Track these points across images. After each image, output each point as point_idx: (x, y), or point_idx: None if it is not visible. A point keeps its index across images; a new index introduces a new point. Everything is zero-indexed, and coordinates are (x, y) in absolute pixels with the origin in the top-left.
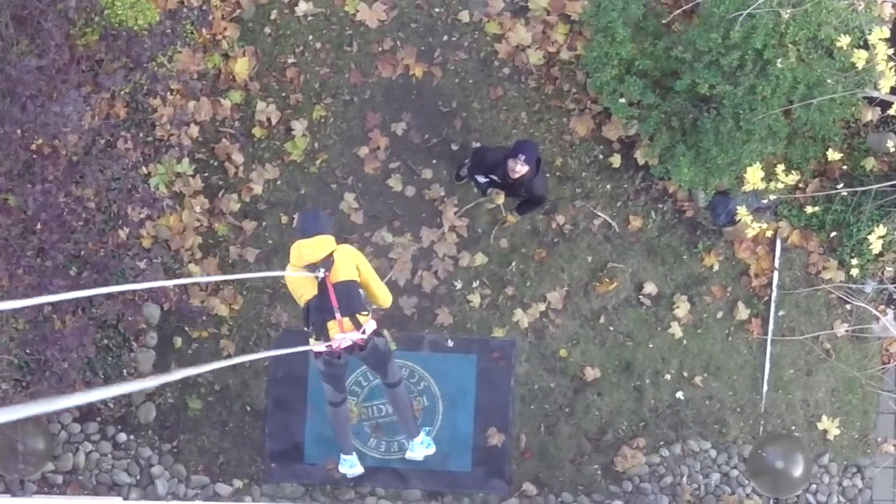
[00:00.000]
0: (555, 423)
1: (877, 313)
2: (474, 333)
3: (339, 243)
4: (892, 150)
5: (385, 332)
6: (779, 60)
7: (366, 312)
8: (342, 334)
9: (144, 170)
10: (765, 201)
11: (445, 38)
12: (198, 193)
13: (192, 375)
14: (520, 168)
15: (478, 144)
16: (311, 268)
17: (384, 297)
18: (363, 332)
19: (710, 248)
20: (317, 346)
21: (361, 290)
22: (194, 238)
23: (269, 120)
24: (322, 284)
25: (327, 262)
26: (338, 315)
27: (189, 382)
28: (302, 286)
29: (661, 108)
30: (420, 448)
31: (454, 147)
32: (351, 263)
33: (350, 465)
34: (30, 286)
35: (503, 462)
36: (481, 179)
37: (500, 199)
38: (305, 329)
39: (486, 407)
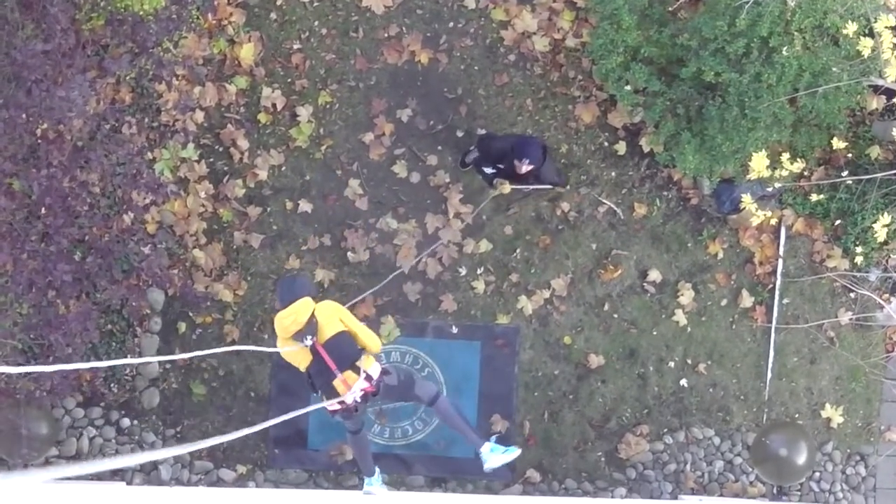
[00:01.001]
0: (558, 410)
1: (881, 301)
2: (478, 320)
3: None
4: None
5: (389, 319)
6: (784, 48)
7: (362, 359)
8: (349, 390)
9: (149, 155)
10: (769, 189)
11: (451, 24)
12: (203, 179)
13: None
14: (525, 168)
15: (483, 131)
16: (299, 336)
17: (374, 344)
18: (369, 380)
19: (715, 235)
20: (332, 406)
21: (349, 337)
22: (199, 223)
23: (274, 106)
24: (314, 349)
25: (311, 325)
26: (338, 374)
27: (193, 368)
28: (297, 357)
29: (666, 96)
30: (492, 456)
31: (459, 133)
32: (334, 318)
33: (374, 483)
34: (34, 271)
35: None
36: (488, 171)
37: (507, 188)
38: (315, 395)
39: (489, 393)
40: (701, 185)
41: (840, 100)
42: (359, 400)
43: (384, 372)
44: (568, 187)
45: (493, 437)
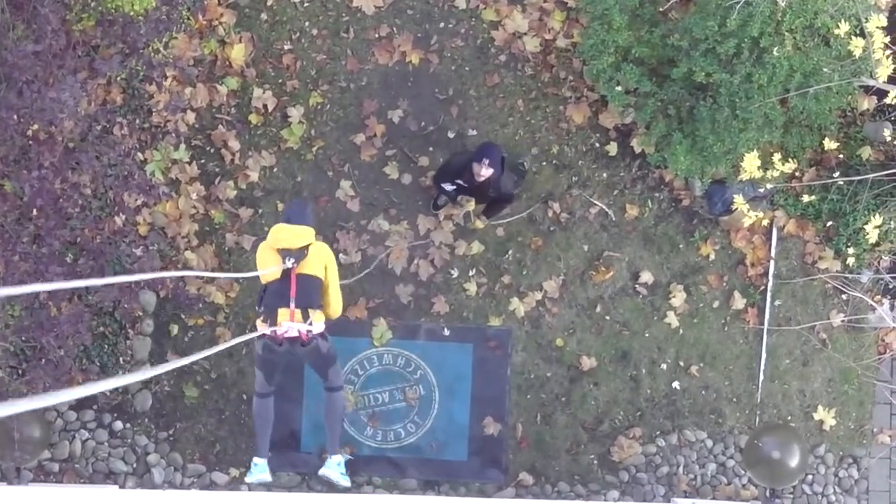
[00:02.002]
0: (551, 412)
1: (873, 303)
2: (470, 322)
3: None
4: (888, 138)
5: (381, 322)
6: (775, 49)
7: (319, 310)
8: (290, 323)
9: (141, 156)
10: (761, 190)
11: (442, 24)
12: (194, 180)
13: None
14: (485, 171)
15: (473, 132)
16: (284, 253)
17: (336, 306)
18: (309, 324)
19: (707, 237)
20: (262, 328)
21: (321, 286)
22: (191, 225)
23: (265, 107)
24: (286, 273)
25: (300, 253)
26: (292, 304)
27: (185, 370)
28: (266, 261)
29: (657, 96)
30: (334, 468)
31: (451, 134)
32: (321, 262)
33: (260, 471)
34: (26, 273)
35: (499, 451)
36: (448, 188)
37: (471, 205)
38: (257, 308)
39: (482, 396)
40: (692, 186)
41: (831, 100)
42: (287, 337)
43: (322, 335)
44: (514, 203)
45: (347, 459)
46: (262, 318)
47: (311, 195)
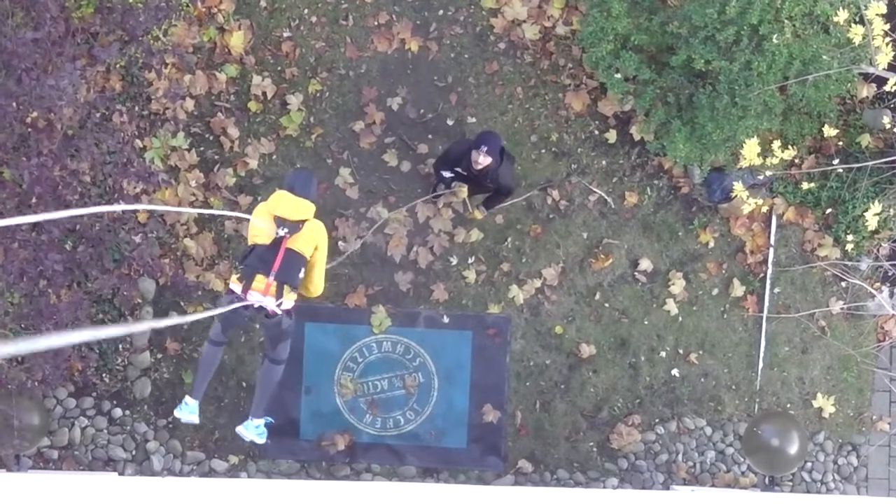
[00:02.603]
0: (550, 400)
1: (872, 290)
2: (469, 310)
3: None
4: (887, 126)
5: (380, 309)
6: (774, 36)
7: (293, 290)
8: (260, 296)
9: (140, 143)
10: (760, 177)
11: (441, 12)
12: (193, 167)
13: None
14: (482, 160)
15: (472, 119)
16: (280, 222)
17: (317, 287)
18: (278, 305)
19: (706, 224)
20: (234, 285)
21: (304, 270)
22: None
23: (264, 94)
24: (276, 241)
25: (295, 226)
26: (271, 277)
27: (184, 357)
28: (260, 230)
29: (656, 84)
30: (251, 430)
31: (450, 122)
32: (313, 241)
33: (189, 412)
34: (25, 260)
35: (498, 439)
36: (446, 174)
37: (464, 192)
38: (237, 264)
39: (481, 383)
40: (692, 174)
41: (830, 88)
42: (255, 305)
43: (288, 312)
44: (515, 197)
45: (267, 422)
46: (238, 276)
47: (309, 171)
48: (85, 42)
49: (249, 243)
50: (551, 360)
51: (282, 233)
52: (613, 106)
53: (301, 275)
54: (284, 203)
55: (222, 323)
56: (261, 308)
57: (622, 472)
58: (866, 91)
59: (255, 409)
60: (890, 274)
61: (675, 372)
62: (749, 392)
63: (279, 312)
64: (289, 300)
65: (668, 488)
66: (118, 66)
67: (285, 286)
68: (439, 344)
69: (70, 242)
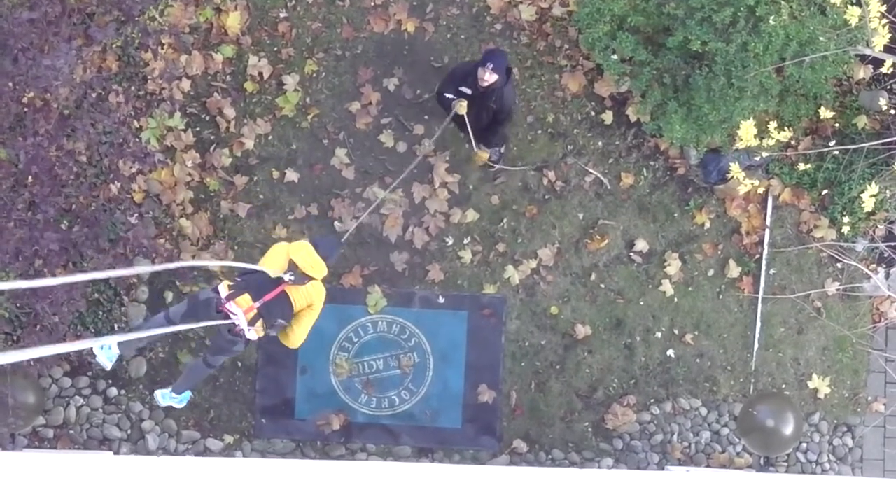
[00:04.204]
0: (545, 380)
1: (868, 272)
2: (465, 290)
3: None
4: (884, 108)
5: (376, 289)
6: (771, 17)
7: (266, 329)
8: (239, 314)
9: (136, 124)
10: (756, 159)
11: None
12: (189, 148)
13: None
14: (489, 77)
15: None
16: (292, 266)
17: (297, 338)
18: (247, 330)
19: (702, 205)
20: (222, 289)
21: (287, 320)
22: (185, 192)
23: (260, 74)
24: (280, 281)
25: (301, 278)
26: (257, 304)
27: (180, 338)
28: (274, 260)
29: (653, 65)
30: (168, 398)
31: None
32: (309, 298)
33: (107, 354)
34: (21, 239)
35: (494, 419)
36: (449, 96)
37: (463, 108)
38: (236, 275)
39: (476, 364)
40: (688, 155)
41: (827, 69)
42: (226, 317)
43: (247, 341)
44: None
45: (186, 397)
46: (230, 284)
47: (305, 163)
48: (81, 22)
49: (258, 266)
50: (546, 341)
51: (286, 277)
52: (610, 87)
53: (282, 320)
54: (303, 255)
55: (187, 307)
56: (226, 320)
57: (617, 453)
58: (863, 73)
59: (176, 386)
60: (885, 255)
61: (670, 352)
62: (744, 373)
63: (243, 336)
64: (255, 333)
65: (662, 468)
66: (114, 46)
67: (261, 320)
68: (435, 324)
69: (66, 222)
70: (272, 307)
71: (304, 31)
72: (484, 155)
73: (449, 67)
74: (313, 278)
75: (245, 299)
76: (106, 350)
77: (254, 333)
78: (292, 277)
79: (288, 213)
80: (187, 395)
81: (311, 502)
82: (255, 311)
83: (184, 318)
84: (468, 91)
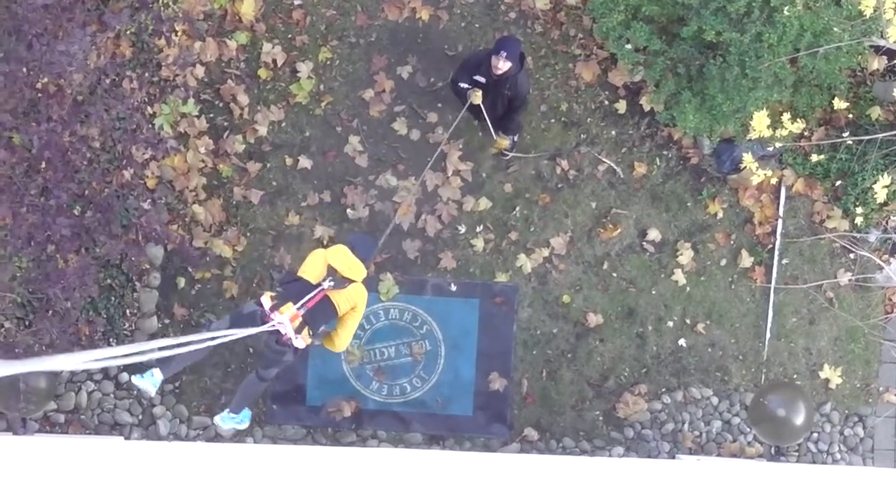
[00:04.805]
0: (557, 368)
1: (880, 262)
2: (477, 278)
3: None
4: None
5: (388, 277)
6: (786, 8)
7: (312, 335)
8: (284, 320)
9: (149, 110)
10: (770, 149)
11: None
12: (202, 134)
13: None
14: (502, 64)
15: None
16: (331, 271)
17: (342, 342)
18: (295, 339)
19: (715, 195)
20: (265, 300)
21: (332, 323)
22: (198, 179)
23: (274, 62)
24: (320, 287)
25: (342, 282)
26: (301, 311)
27: (192, 323)
28: (313, 268)
29: (667, 55)
30: (228, 420)
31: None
32: (351, 301)
33: (153, 383)
34: (34, 225)
35: (504, 407)
36: (464, 86)
37: (478, 97)
38: (276, 285)
39: (488, 352)
40: (701, 145)
41: (841, 60)
42: (271, 327)
43: (296, 350)
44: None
45: (247, 415)
46: (272, 294)
47: (318, 150)
48: (95, 8)
49: (298, 274)
50: (558, 329)
51: (326, 284)
52: (624, 76)
53: (326, 326)
54: (342, 258)
55: (230, 320)
56: (273, 331)
57: (628, 441)
58: (877, 64)
59: (233, 406)
60: None
61: (682, 342)
62: (756, 362)
63: (291, 345)
64: (303, 340)
65: (673, 457)
66: (128, 32)
67: (307, 327)
68: (446, 312)
69: (78, 207)
70: (316, 313)
71: (318, 18)
72: (504, 142)
73: (463, 55)
74: (353, 281)
75: (288, 307)
76: (148, 377)
77: (301, 341)
78: (332, 282)
79: (301, 201)
80: (247, 413)
81: (322, 488)
82: (300, 318)
83: (227, 325)
84: (482, 79)
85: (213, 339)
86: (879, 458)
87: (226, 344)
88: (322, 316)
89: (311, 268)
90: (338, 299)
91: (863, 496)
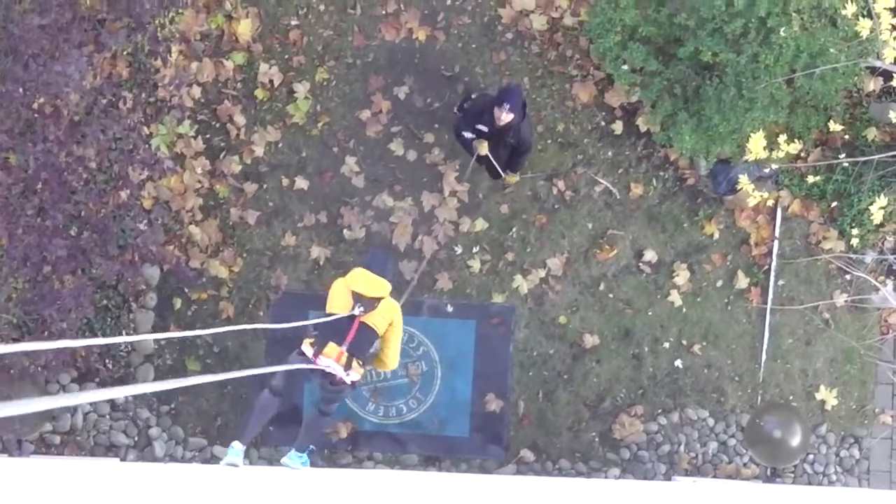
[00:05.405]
0: (553, 389)
1: (876, 284)
2: (474, 299)
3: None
4: (894, 120)
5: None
6: (782, 29)
7: (361, 364)
8: (331, 361)
9: (146, 130)
10: (766, 170)
11: (449, 1)
12: (199, 155)
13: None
14: (505, 116)
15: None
16: (357, 297)
17: (392, 360)
18: (347, 374)
19: (711, 216)
20: (306, 348)
21: (377, 343)
22: (195, 199)
23: (271, 82)
24: (353, 317)
25: (370, 303)
26: (344, 346)
27: (188, 344)
28: (338, 301)
29: (663, 75)
30: (295, 460)
31: (456, 111)
32: (387, 318)
33: (236, 454)
34: (29, 245)
35: (501, 428)
36: (468, 135)
37: (484, 148)
38: (311, 329)
39: (484, 373)
40: (697, 166)
41: (837, 81)
42: (323, 368)
43: (352, 385)
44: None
45: (310, 450)
46: (312, 340)
47: (315, 171)
48: (92, 28)
49: (327, 311)
50: (555, 350)
51: (357, 311)
52: (620, 97)
53: (372, 349)
54: (362, 280)
55: (287, 376)
56: (324, 374)
57: (624, 463)
58: (873, 85)
59: (298, 444)
60: (894, 267)
61: (678, 363)
62: (752, 383)
63: (346, 382)
64: (356, 373)
65: (669, 479)
66: (125, 52)
67: (354, 359)
68: (443, 333)
69: (74, 228)
70: (359, 343)
71: (315, 38)
72: (513, 178)
73: (459, 76)
74: (381, 297)
75: (332, 348)
76: (232, 452)
77: (354, 374)
78: (362, 308)
79: (297, 221)
80: (308, 460)
81: None
82: (346, 354)
83: (285, 383)
84: (485, 128)
85: (272, 369)
86: (875, 480)
87: (223, 364)
88: (365, 343)
89: (337, 301)
90: (373, 321)
91: None
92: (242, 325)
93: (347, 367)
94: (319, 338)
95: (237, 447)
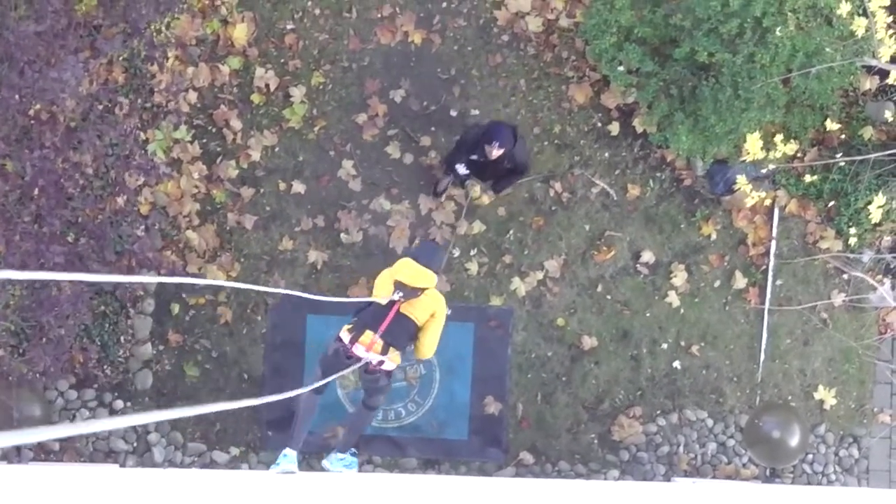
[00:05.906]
0: (552, 391)
1: (874, 283)
2: (471, 301)
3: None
4: (890, 119)
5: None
6: (778, 28)
7: (399, 352)
8: (367, 349)
9: (142, 136)
10: (763, 170)
11: (444, 4)
12: (196, 160)
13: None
14: (496, 153)
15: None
16: (398, 286)
17: (428, 349)
18: (381, 363)
19: (708, 216)
20: (344, 335)
21: (416, 333)
22: (192, 204)
23: (267, 86)
24: (391, 303)
25: (412, 292)
26: (378, 335)
27: (186, 349)
28: (381, 289)
29: (659, 76)
30: (336, 463)
31: (453, 114)
32: (429, 310)
33: (290, 461)
34: (27, 252)
35: (500, 431)
36: (462, 171)
37: (477, 191)
38: (351, 316)
39: (483, 375)
40: (694, 166)
41: (833, 80)
42: (359, 357)
43: (390, 373)
44: (528, 176)
45: (353, 453)
46: (350, 326)
47: (312, 175)
48: (88, 34)
49: (371, 299)
50: (553, 352)
51: (396, 297)
52: (616, 98)
53: (409, 339)
54: (407, 270)
55: (323, 372)
56: (362, 363)
57: (623, 464)
58: (869, 84)
59: (343, 445)
60: (892, 266)
61: (676, 364)
62: (750, 384)
63: (380, 370)
64: (392, 361)
65: (669, 480)
66: (121, 58)
67: (391, 347)
68: (441, 336)
69: (72, 234)
70: (394, 331)
71: (310, 42)
72: (487, 200)
73: (456, 79)
74: (425, 289)
75: (366, 335)
76: (284, 460)
77: (390, 363)
78: (401, 295)
79: (294, 225)
80: (353, 461)
81: None
82: (380, 341)
83: (313, 399)
84: (479, 160)
85: (312, 386)
86: (874, 479)
87: (221, 368)
88: (402, 332)
89: (380, 289)
90: (413, 312)
91: None
92: (295, 292)
93: (383, 353)
94: (357, 325)
95: (290, 454)
